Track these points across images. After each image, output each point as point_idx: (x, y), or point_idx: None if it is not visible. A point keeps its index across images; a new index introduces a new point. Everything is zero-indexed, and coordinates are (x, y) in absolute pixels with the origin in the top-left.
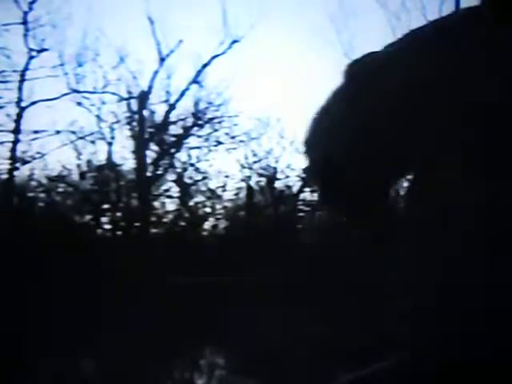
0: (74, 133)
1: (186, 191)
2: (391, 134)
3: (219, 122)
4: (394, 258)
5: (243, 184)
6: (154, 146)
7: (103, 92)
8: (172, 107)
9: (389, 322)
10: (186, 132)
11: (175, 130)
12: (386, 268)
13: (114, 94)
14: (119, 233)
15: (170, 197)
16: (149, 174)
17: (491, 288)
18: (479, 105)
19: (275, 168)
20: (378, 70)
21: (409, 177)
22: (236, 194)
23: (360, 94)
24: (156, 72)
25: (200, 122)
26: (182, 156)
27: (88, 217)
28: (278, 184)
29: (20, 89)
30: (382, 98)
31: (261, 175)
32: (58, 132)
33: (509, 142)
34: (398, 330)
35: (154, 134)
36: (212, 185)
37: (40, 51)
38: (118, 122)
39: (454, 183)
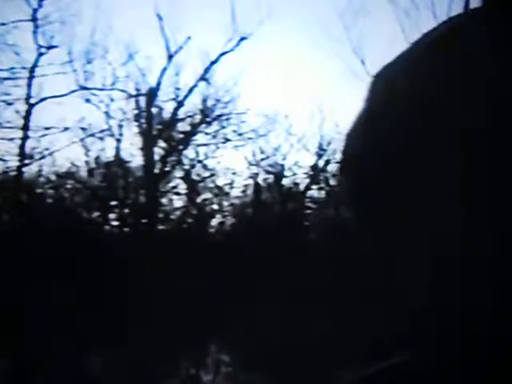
0: (82, 129)
1: (193, 188)
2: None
3: (227, 119)
4: (393, 258)
5: (251, 181)
6: (161, 143)
7: (112, 89)
8: (180, 104)
9: (389, 322)
10: (194, 129)
11: (183, 126)
12: (386, 268)
13: (122, 90)
14: (127, 229)
15: (177, 194)
16: (157, 170)
17: (491, 286)
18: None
19: (283, 165)
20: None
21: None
22: (243, 191)
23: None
24: (164, 69)
25: (208, 119)
26: (189, 153)
27: (96, 213)
28: (285, 181)
29: (29, 85)
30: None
31: (268, 172)
32: (66, 129)
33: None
34: (398, 329)
35: (162, 131)
36: (219, 182)
37: (49, 48)
38: (126, 118)
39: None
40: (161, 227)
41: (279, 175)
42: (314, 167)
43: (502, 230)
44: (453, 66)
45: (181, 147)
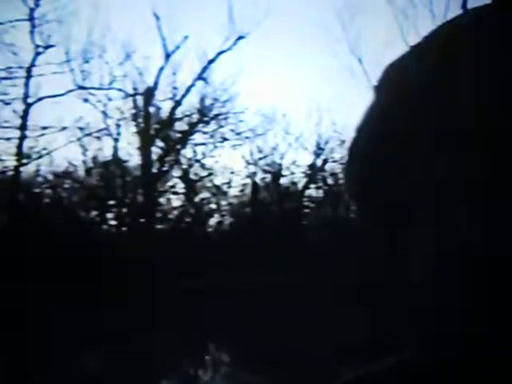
0: (80, 129)
1: (191, 187)
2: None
3: (225, 119)
4: (394, 256)
5: (248, 180)
6: (159, 143)
7: (109, 88)
8: (178, 103)
9: (389, 322)
10: (192, 128)
11: (181, 126)
12: (387, 266)
13: (120, 90)
14: (125, 228)
15: (175, 193)
16: (154, 170)
17: (492, 286)
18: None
19: (280, 164)
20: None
21: None
22: (241, 191)
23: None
24: (162, 68)
25: (206, 119)
26: (187, 152)
27: (94, 212)
28: (283, 180)
29: (26, 85)
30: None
31: (266, 171)
32: (64, 128)
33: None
34: (399, 329)
35: (160, 131)
36: (217, 181)
37: (46, 47)
38: (123, 118)
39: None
40: (159, 226)
41: (277, 174)
42: (312, 166)
43: (502, 230)
44: (461, 64)
45: (178, 146)
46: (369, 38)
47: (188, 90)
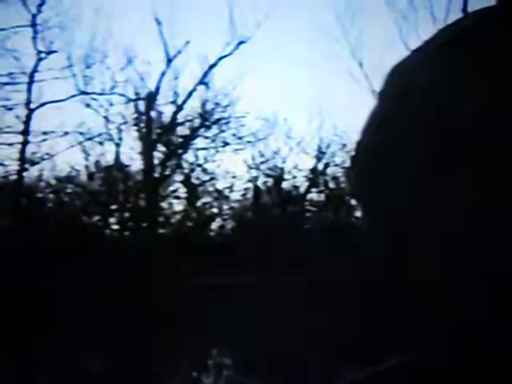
0: (82, 134)
1: (193, 192)
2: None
3: (226, 123)
4: (394, 258)
5: (250, 185)
6: (161, 147)
7: (111, 93)
8: (179, 108)
9: (390, 322)
10: (194, 133)
11: (182, 130)
12: (388, 268)
13: (121, 95)
14: (127, 233)
15: (177, 197)
16: (156, 174)
17: (492, 287)
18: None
19: (282, 168)
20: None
21: None
22: (243, 195)
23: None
24: (163, 73)
25: (207, 123)
26: (189, 157)
27: (96, 217)
28: (285, 184)
29: (29, 90)
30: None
31: (268, 176)
32: (66, 133)
33: None
34: (399, 329)
35: (162, 135)
36: (219, 185)
37: (48, 53)
38: (125, 123)
39: None
40: (161, 231)
41: (279, 178)
42: (314, 170)
43: (502, 231)
44: (462, 66)
45: (180, 151)
46: (369, 41)
47: (189, 94)
